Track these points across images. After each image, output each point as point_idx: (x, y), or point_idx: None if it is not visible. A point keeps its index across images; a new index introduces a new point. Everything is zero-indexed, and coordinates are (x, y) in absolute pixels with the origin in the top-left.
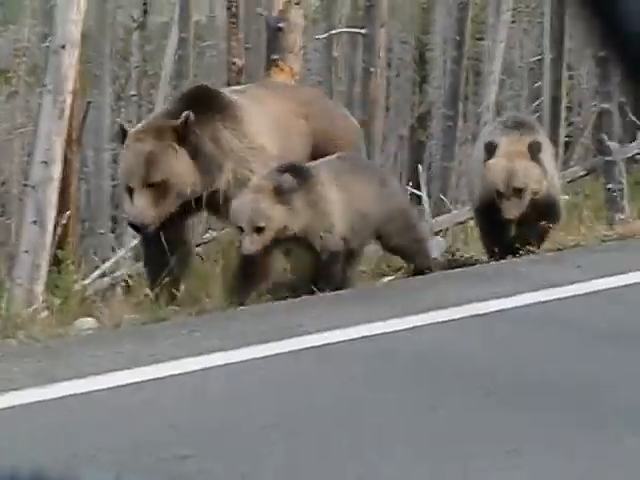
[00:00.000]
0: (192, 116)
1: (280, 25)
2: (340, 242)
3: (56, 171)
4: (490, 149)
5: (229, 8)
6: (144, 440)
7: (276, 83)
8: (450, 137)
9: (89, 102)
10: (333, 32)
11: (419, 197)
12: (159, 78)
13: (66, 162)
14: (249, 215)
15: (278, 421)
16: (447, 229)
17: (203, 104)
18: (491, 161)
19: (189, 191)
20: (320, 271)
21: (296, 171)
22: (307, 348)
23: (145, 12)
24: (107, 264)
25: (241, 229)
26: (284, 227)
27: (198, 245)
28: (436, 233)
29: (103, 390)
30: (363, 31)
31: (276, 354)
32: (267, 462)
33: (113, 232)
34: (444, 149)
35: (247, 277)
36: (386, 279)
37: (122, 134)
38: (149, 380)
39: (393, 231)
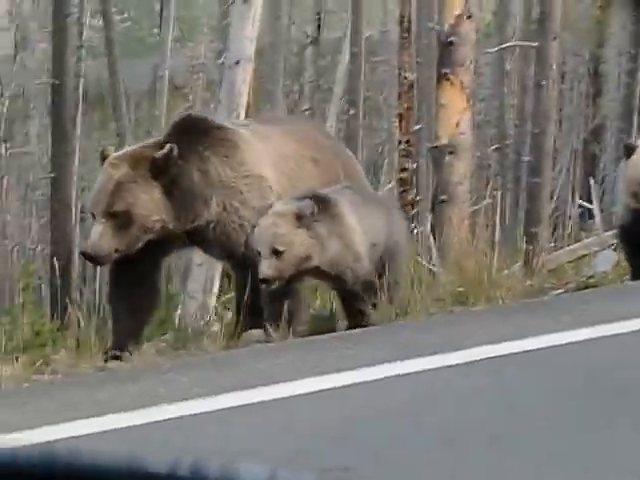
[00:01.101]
0: (175, 150)
1: (451, 39)
2: (372, 270)
3: None
4: (630, 149)
5: (401, 23)
6: (306, 449)
7: (283, 119)
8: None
9: None
10: (505, 46)
11: (590, 210)
12: (332, 93)
13: None
14: (268, 238)
15: (444, 433)
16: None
17: (197, 133)
18: (632, 157)
19: (157, 226)
20: (353, 304)
21: (317, 199)
22: (477, 360)
23: (319, 28)
24: None
25: (259, 254)
26: (306, 256)
27: None
28: (608, 247)
29: (270, 401)
30: (535, 44)
31: (436, 368)
32: (431, 476)
33: None
34: (617, 162)
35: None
36: (556, 292)
37: (102, 159)
38: (314, 392)
39: (388, 266)
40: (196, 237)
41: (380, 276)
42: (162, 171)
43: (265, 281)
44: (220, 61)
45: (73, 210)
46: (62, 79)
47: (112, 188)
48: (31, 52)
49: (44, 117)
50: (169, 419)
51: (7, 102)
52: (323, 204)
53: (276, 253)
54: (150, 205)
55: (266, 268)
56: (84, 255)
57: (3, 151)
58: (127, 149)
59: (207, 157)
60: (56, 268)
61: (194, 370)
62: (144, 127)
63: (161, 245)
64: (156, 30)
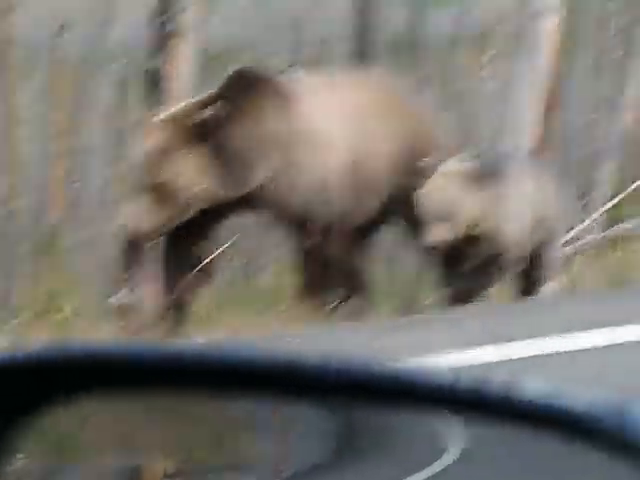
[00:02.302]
0: (223, 110)
1: None
2: (528, 245)
3: (526, 139)
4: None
5: None
6: None
7: (365, 71)
8: None
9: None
10: None
11: None
12: None
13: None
14: (439, 201)
15: None
16: None
17: (249, 88)
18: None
19: (203, 196)
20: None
21: (485, 157)
22: None
23: None
24: (574, 231)
25: (428, 217)
26: (475, 221)
27: None
28: None
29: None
30: None
31: None
32: None
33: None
34: None
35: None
36: None
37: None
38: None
39: (543, 240)
40: (249, 204)
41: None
42: (207, 134)
43: (435, 248)
44: (524, 12)
45: None
46: (364, 26)
47: (151, 157)
48: None
49: (346, 63)
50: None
51: (308, 48)
52: (492, 164)
53: (447, 217)
54: (193, 174)
55: (438, 234)
56: (126, 234)
57: None
58: (173, 109)
59: (259, 113)
60: None
61: None
62: (443, 77)
63: (214, 212)
64: None
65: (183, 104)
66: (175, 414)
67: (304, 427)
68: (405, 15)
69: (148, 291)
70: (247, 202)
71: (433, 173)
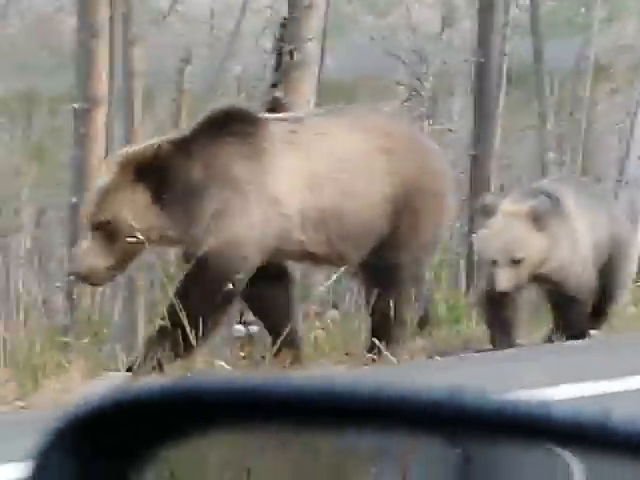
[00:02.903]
0: (164, 148)
1: None
2: (594, 275)
3: None
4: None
5: None
6: None
7: (353, 109)
8: None
9: None
10: None
11: None
12: None
13: None
14: (505, 245)
15: None
16: None
17: (227, 127)
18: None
19: (152, 236)
20: (571, 315)
21: (545, 193)
22: None
23: None
24: None
25: (493, 263)
26: (541, 262)
27: None
28: None
29: None
30: None
31: None
32: None
33: None
34: None
35: (503, 320)
36: None
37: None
38: None
39: (610, 269)
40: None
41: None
42: (151, 172)
43: (504, 294)
44: None
45: (492, 188)
46: (487, 57)
47: (98, 196)
48: (457, 29)
49: (467, 95)
50: None
51: (431, 79)
52: (552, 199)
53: (515, 261)
54: (137, 212)
55: (506, 280)
56: (73, 275)
57: (426, 127)
58: (129, 148)
59: (219, 152)
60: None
61: None
62: (566, 108)
63: None
64: (583, 10)
65: (150, 142)
66: (298, 448)
67: (420, 459)
68: (527, 47)
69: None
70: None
71: (491, 213)
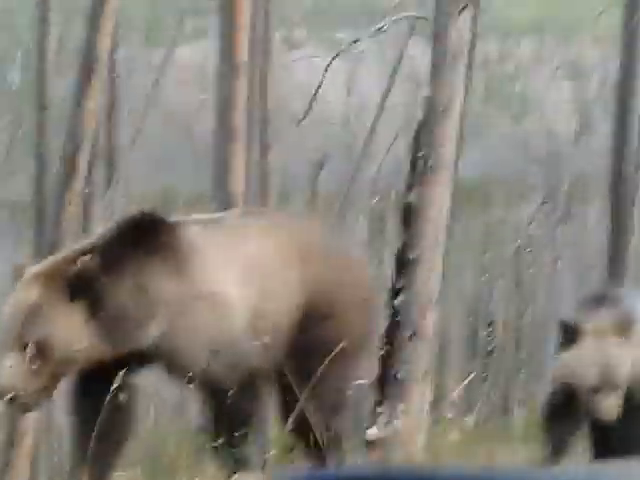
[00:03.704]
0: (94, 261)
1: None
2: None
3: None
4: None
5: None
6: None
7: (266, 214)
8: None
9: None
10: None
11: None
12: None
13: None
14: (607, 369)
15: None
16: None
17: (140, 237)
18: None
19: (80, 357)
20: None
21: (617, 300)
22: None
23: None
24: None
25: (594, 391)
26: (635, 374)
27: None
28: None
29: None
30: None
31: None
32: None
33: None
34: None
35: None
36: None
37: (15, 275)
38: None
39: None
40: (141, 359)
41: None
42: (82, 289)
43: (566, 415)
44: None
45: None
46: (623, 163)
47: (24, 314)
48: (593, 134)
49: (604, 200)
50: None
51: (567, 184)
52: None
53: (611, 382)
54: (70, 333)
55: (612, 407)
56: None
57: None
58: (45, 262)
59: (148, 269)
60: None
61: None
62: None
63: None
64: None
65: (62, 253)
66: None
67: None
68: None
69: (405, 425)
70: (137, 359)
71: (576, 334)
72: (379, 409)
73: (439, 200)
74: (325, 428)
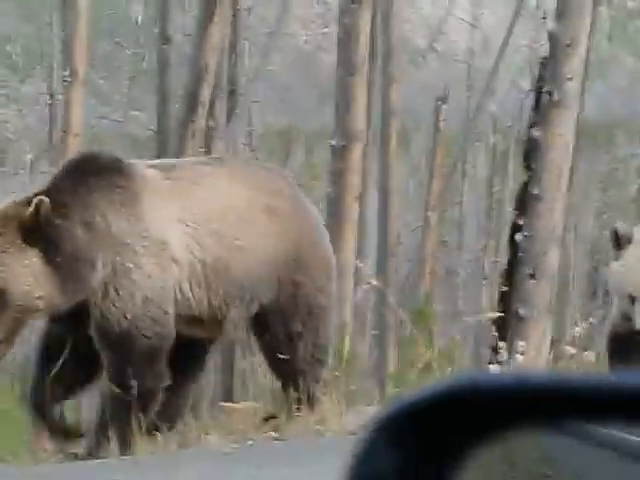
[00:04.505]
0: (45, 204)
1: None
2: None
3: None
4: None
5: None
6: None
7: (233, 162)
8: None
9: None
10: None
11: None
12: None
13: None
14: None
15: None
16: None
17: (90, 176)
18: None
19: (40, 305)
20: None
21: None
22: None
23: None
24: None
25: (632, 299)
26: None
27: None
28: None
29: None
30: None
31: None
32: None
33: None
34: None
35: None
36: None
37: None
38: None
39: None
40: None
41: None
42: (35, 233)
43: (635, 333)
44: None
45: None
46: None
47: None
48: None
49: None
50: None
51: None
52: None
53: None
54: (27, 279)
55: None
56: None
57: None
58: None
59: (95, 205)
60: None
61: None
62: None
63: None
64: None
65: (11, 199)
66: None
67: None
68: None
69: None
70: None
71: (625, 243)
72: (500, 346)
73: (563, 137)
74: (297, 387)
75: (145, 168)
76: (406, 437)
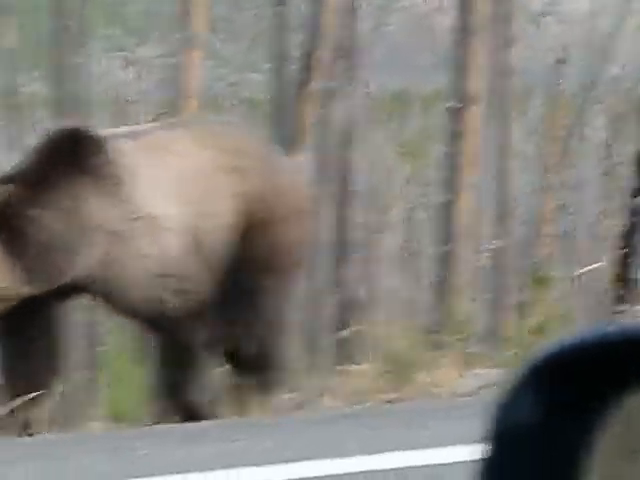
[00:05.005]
0: (10, 192)
1: None
2: None
3: None
4: None
5: None
6: None
7: (198, 122)
8: None
9: None
10: None
11: None
12: None
13: None
14: None
15: None
16: None
17: (67, 156)
18: None
19: (9, 295)
20: None
21: None
22: None
23: None
24: None
25: None
26: None
27: None
28: None
29: None
30: None
31: None
32: None
33: None
34: None
35: None
36: None
37: None
38: None
39: None
40: (70, 292)
41: None
42: (3, 222)
43: None
44: None
45: None
46: None
47: None
48: None
49: None
50: None
51: None
52: None
53: None
54: None
55: None
56: None
57: None
58: None
59: (78, 192)
60: None
61: None
62: None
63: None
64: None
65: None
66: None
67: None
68: None
69: None
70: (68, 292)
71: None
72: (620, 308)
73: None
74: (260, 345)
75: (120, 141)
76: (553, 385)
